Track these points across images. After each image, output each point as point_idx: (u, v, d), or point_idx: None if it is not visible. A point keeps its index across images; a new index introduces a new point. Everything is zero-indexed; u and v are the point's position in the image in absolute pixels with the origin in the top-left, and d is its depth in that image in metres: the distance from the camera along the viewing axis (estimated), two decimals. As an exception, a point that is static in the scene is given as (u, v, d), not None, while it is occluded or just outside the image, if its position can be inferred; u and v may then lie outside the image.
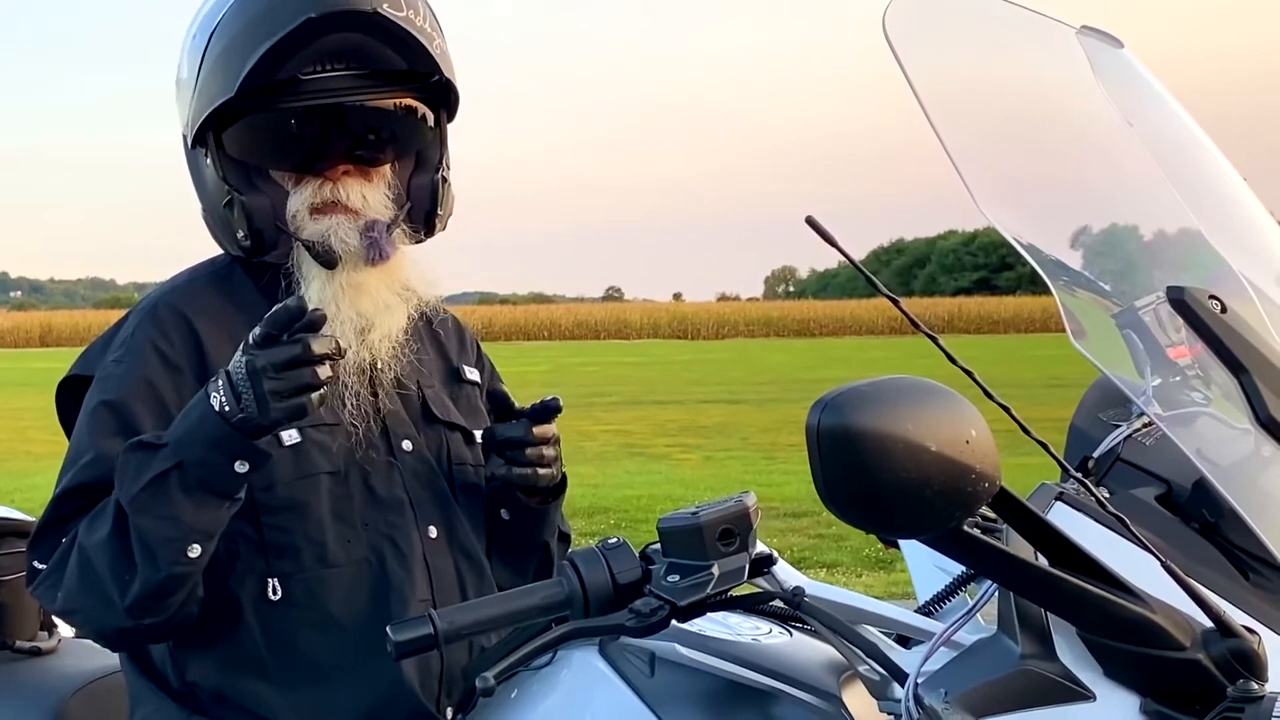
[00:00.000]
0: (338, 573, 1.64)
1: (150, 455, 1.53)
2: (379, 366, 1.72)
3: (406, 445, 1.73)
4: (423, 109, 1.73)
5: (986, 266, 78.03)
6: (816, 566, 6.78)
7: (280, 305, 1.50)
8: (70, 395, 1.74)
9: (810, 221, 1.09)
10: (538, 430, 1.72)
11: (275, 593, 1.64)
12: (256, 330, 1.49)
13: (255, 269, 1.76)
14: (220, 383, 1.50)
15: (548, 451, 1.73)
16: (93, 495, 1.60)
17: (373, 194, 1.70)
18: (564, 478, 1.82)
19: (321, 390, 1.50)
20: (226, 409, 1.49)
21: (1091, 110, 1.61)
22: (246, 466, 1.52)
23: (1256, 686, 1.03)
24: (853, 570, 6.76)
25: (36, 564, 1.62)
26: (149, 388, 1.65)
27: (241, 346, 1.50)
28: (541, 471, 1.73)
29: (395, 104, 1.69)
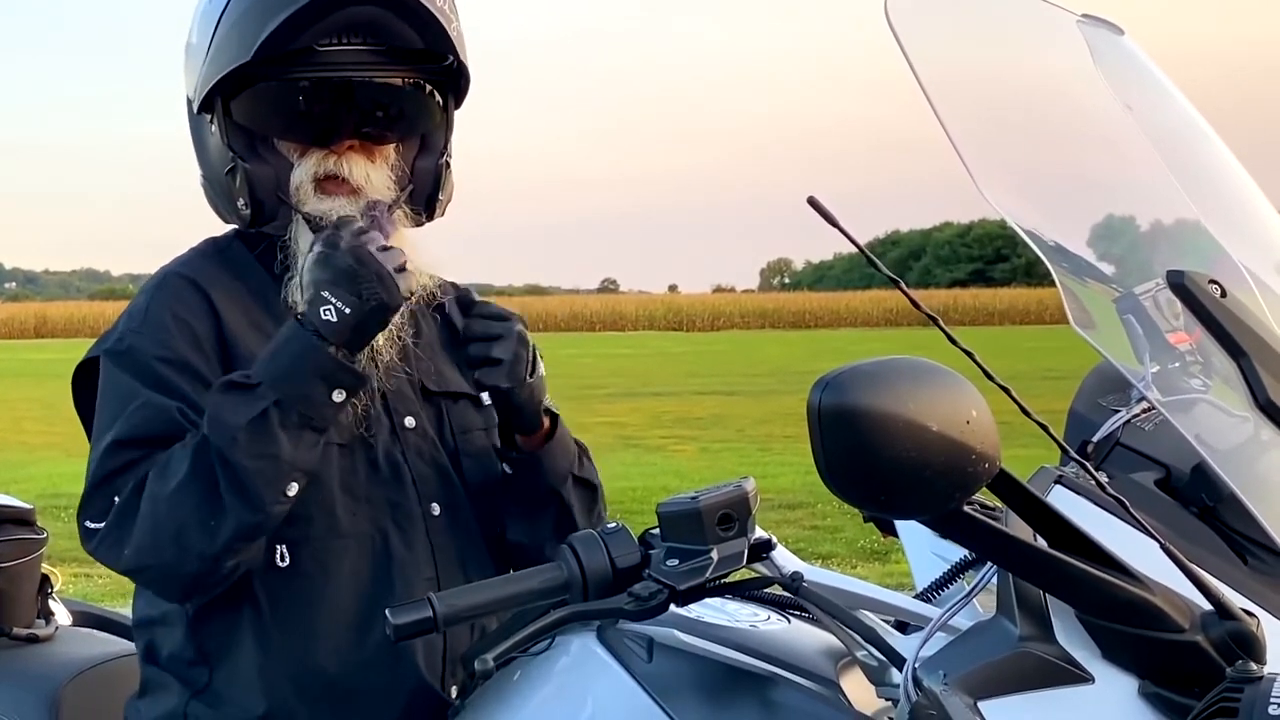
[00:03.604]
0: (344, 543, 1.64)
1: (245, 395, 1.54)
2: (376, 347, 1.72)
3: (409, 422, 1.73)
4: (432, 90, 1.73)
5: (982, 258, 78.18)
6: (811, 558, 6.77)
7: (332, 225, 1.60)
8: (88, 381, 1.72)
9: (812, 202, 1.09)
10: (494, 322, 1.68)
11: (283, 559, 1.63)
12: (337, 231, 1.57)
13: (252, 240, 1.76)
14: (325, 294, 1.53)
15: (498, 334, 1.66)
16: (143, 447, 1.59)
17: (376, 173, 1.70)
18: (555, 418, 1.76)
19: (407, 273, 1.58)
20: (348, 310, 1.52)
21: (1093, 97, 1.61)
22: (343, 395, 1.55)
23: (1255, 667, 1.03)
24: (847, 561, 6.77)
25: (90, 524, 1.59)
26: (176, 354, 1.64)
27: (326, 248, 1.56)
28: (495, 352, 1.64)
29: (405, 82, 1.70)
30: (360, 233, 1.55)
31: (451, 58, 1.71)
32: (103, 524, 1.58)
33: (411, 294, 1.58)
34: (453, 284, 1.86)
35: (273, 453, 1.52)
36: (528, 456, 1.76)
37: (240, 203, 1.69)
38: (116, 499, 1.58)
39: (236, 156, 1.68)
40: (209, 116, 1.71)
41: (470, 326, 1.69)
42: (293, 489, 1.55)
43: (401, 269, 1.55)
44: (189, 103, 1.76)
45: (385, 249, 1.56)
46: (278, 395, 1.52)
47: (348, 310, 1.52)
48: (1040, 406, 1.09)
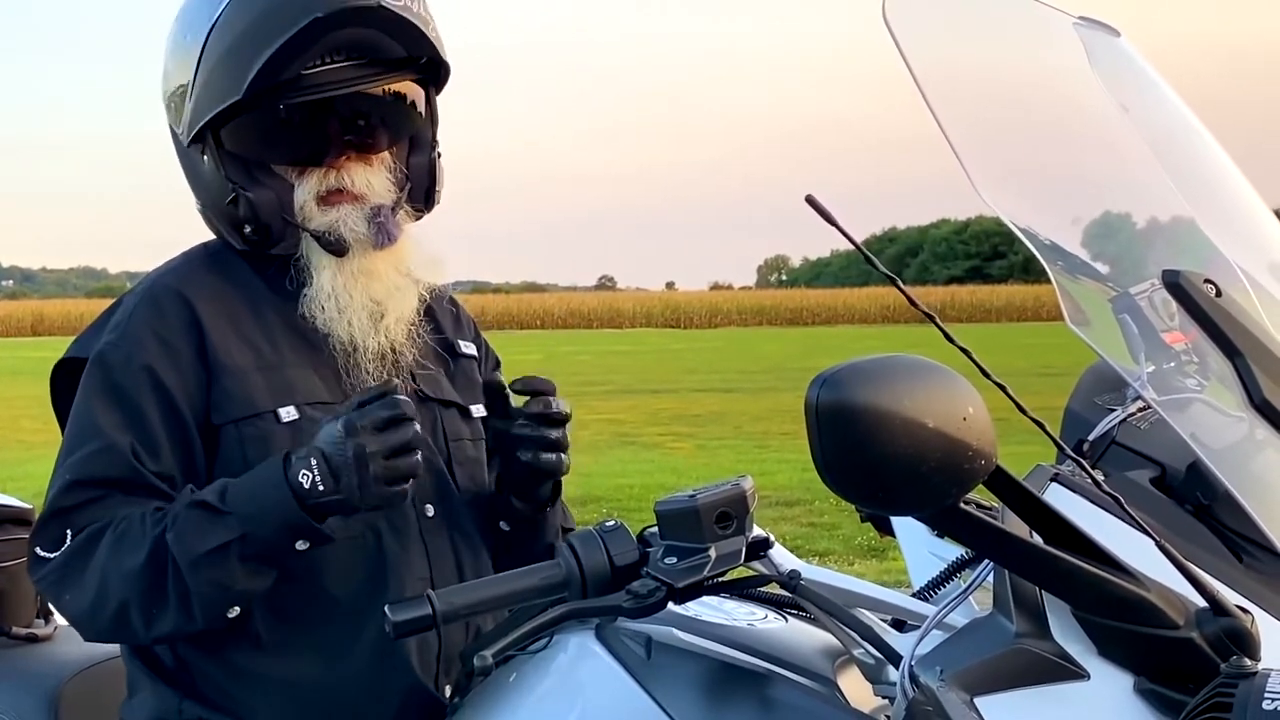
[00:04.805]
0: (334, 548, 1.64)
1: (212, 520, 1.55)
2: (398, 350, 1.73)
3: None
4: (412, 94, 1.74)
5: (979, 255, 78.20)
6: (809, 555, 6.78)
7: (380, 389, 1.53)
8: (66, 379, 1.73)
9: (810, 201, 1.10)
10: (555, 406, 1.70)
11: None
12: (365, 412, 1.51)
13: (259, 260, 1.76)
14: (314, 461, 1.52)
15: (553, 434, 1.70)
16: (98, 488, 1.61)
17: (376, 178, 1.72)
18: (557, 485, 1.81)
19: (413, 481, 1.56)
20: (321, 488, 1.51)
21: (1089, 98, 1.62)
22: (306, 545, 1.57)
23: (1249, 663, 1.03)
24: (845, 558, 6.78)
25: (40, 551, 1.63)
26: (150, 376, 1.65)
27: (343, 427, 1.51)
28: (563, 456, 1.71)
29: (384, 91, 1.71)
30: (396, 423, 1.51)
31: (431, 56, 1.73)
32: (53, 556, 1.61)
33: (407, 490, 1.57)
34: (451, 296, 1.89)
35: (225, 584, 1.55)
36: (527, 519, 1.79)
37: (247, 230, 1.70)
38: (69, 534, 1.61)
39: (236, 186, 1.69)
40: (200, 148, 1.72)
41: (527, 426, 1.70)
42: (234, 612, 1.58)
43: (414, 470, 1.54)
44: (174, 134, 1.77)
45: (406, 445, 1.52)
46: (244, 530, 1.54)
47: (340, 497, 1.52)
48: (1037, 403, 1.09)
